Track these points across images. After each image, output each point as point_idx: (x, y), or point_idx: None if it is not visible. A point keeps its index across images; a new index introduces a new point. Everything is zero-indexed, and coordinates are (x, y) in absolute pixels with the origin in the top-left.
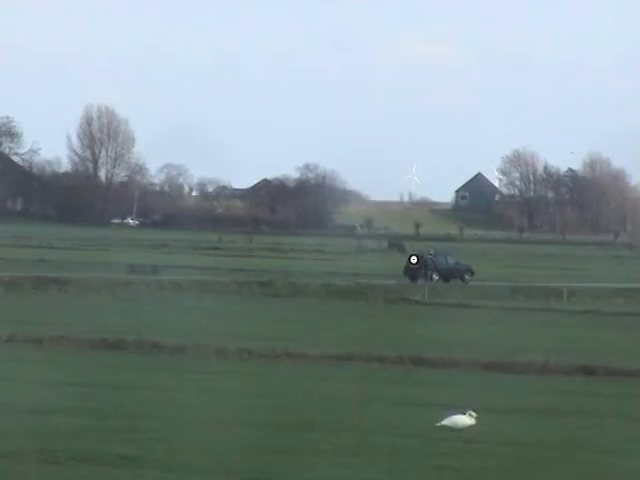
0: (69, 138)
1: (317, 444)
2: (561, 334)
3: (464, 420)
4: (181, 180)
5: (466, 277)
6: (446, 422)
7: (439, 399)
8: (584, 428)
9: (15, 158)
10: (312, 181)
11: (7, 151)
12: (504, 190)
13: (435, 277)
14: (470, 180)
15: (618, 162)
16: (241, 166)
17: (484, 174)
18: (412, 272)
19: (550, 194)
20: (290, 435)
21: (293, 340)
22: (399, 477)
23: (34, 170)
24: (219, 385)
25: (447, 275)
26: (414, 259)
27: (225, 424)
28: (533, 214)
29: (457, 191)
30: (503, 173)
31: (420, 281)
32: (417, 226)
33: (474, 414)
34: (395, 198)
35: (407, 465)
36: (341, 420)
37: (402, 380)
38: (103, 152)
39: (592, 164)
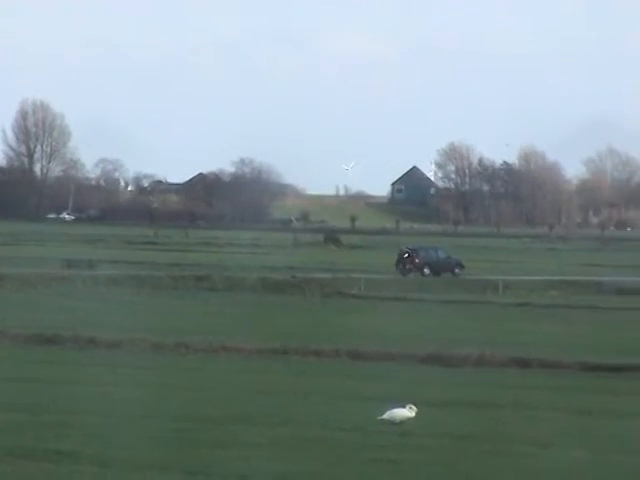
0: (4, 133)
1: (254, 438)
2: (497, 327)
3: (404, 413)
4: (117, 175)
5: (456, 271)
6: (386, 416)
7: (376, 392)
8: (519, 421)
9: None
10: (248, 175)
11: None
12: (440, 183)
13: (426, 271)
14: (406, 173)
15: (553, 155)
16: (176, 160)
17: (419, 167)
18: (403, 266)
19: (485, 187)
20: (227, 429)
21: (230, 334)
22: (336, 470)
23: None
24: (155, 380)
25: (438, 269)
26: (406, 254)
27: (161, 419)
28: (468, 207)
29: (393, 184)
30: (438, 166)
31: (411, 275)
32: (353, 220)
33: (414, 408)
34: (331, 192)
35: (344, 458)
36: (278, 414)
37: (339, 374)
38: (38, 147)
39: (527, 157)
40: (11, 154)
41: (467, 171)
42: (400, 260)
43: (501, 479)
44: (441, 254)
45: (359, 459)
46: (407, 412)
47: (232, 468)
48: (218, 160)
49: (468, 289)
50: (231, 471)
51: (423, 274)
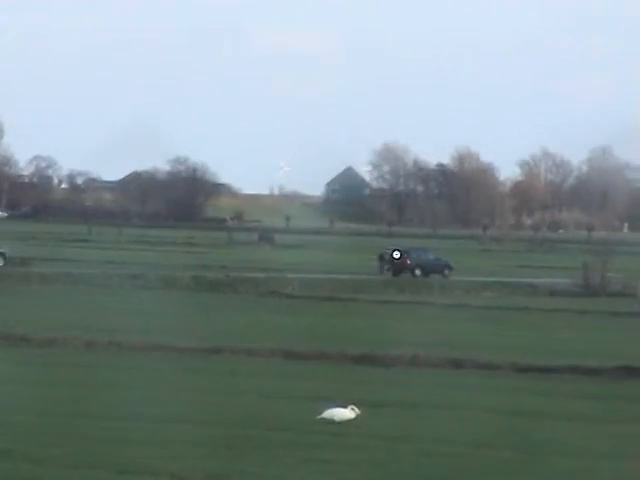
0: None
1: (187, 437)
2: (432, 327)
3: (344, 413)
4: (50, 172)
5: (445, 272)
6: (325, 415)
7: (310, 392)
8: (451, 421)
9: None
10: (183, 174)
11: None
12: (374, 184)
13: (417, 272)
14: (341, 173)
15: (487, 156)
16: (110, 158)
17: (354, 168)
18: (395, 267)
19: (420, 188)
20: (160, 427)
21: (163, 333)
22: (268, 470)
23: None
24: (88, 379)
25: (428, 270)
26: (397, 254)
27: (94, 418)
28: (403, 208)
29: (328, 184)
30: (373, 167)
31: (403, 275)
32: (287, 219)
33: (356, 409)
34: (266, 191)
35: (277, 458)
36: (211, 413)
37: (273, 373)
38: None
39: (461, 158)
40: None
41: (402, 172)
42: (388, 261)
43: (434, 478)
44: (430, 256)
45: (293, 459)
46: (346, 412)
47: (165, 467)
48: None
49: (403, 289)
50: (164, 470)
51: (414, 275)
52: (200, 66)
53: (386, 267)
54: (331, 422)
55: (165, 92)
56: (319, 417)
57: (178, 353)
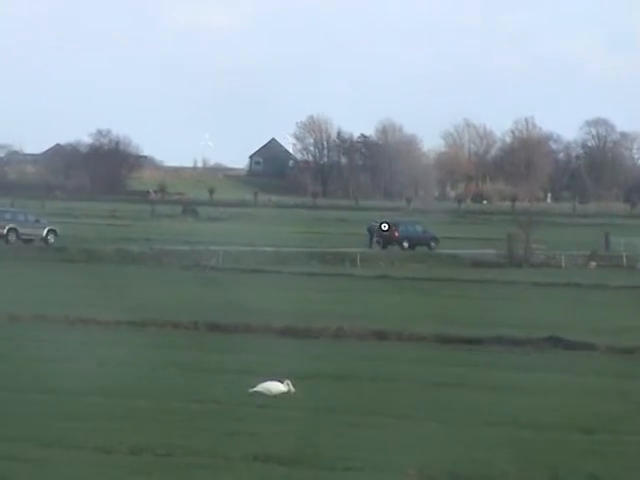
0: None
1: (111, 410)
2: (355, 299)
3: (277, 386)
4: None
5: (432, 245)
6: (259, 388)
7: (235, 365)
8: (378, 393)
9: None
10: (105, 147)
11: None
12: (298, 156)
13: (405, 244)
14: (264, 146)
15: (410, 128)
16: (33, 131)
17: (278, 140)
18: (383, 239)
19: (344, 160)
20: (84, 401)
21: (87, 306)
22: (193, 442)
23: None
24: (11, 352)
25: (415, 243)
26: (385, 226)
27: (16, 391)
28: (327, 180)
29: (251, 156)
30: (297, 139)
31: (391, 248)
32: (211, 192)
33: (291, 385)
34: (189, 164)
35: (201, 430)
36: (135, 386)
37: (197, 346)
38: None
39: (384, 130)
40: None
41: (325, 144)
42: (377, 234)
43: (358, 449)
44: (418, 228)
45: (216, 431)
46: (280, 385)
47: (89, 440)
48: (75, 131)
49: (326, 261)
50: (88, 443)
51: (402, 247)
52: (121, 38)
53: (375, 239)
54: (266, 395)
55: (85, 64)
56: (252, 390)
57: (102, 326)
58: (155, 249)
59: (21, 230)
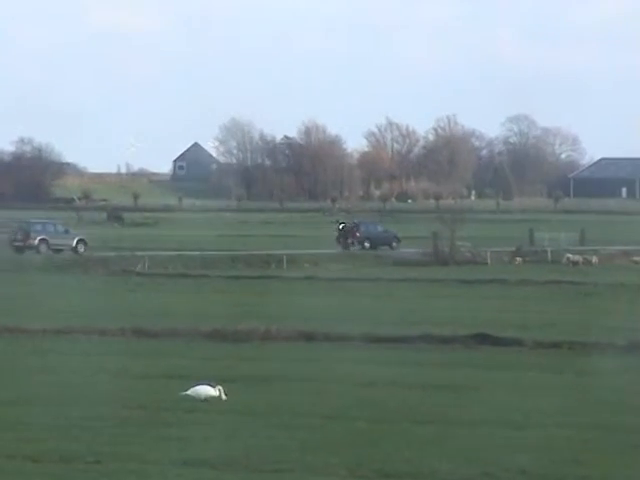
0: None
1: (40, 418)
2: (282, 301)
3: (207, 390)
4: None
5: (394, 244)
6: (190, 392)
7: (163, 370)
8: (306, 394)
9: None
10: (28, 154)
11: None
12: (221, 159)
13: (366, 244)
14: (187, 150)
15: (333, 129)
16: None
17: (201, 144)
18: (344, 240)
19: (267, 162)
20: (11, 411)
21: (13, 315)
22: (123, 449)
23: None
24: None
25: (376, 242)
26: (341, 226)
27: None
28: (251, 182)
29: (174, 161)
30: (220, 142)
31: (352, 248)
32: (135, 197)
33: (222, 390)
34: (113, 170)
35: (131, 436)
36: (64, 394)
37: (124, 352)
38: None
39: (307, 131)
40: None
41: (248, 146)
42: (341, 234)
43: (288, 451)
44: (379, 228)
45: (146, 437)
46: (210, 389)
47: (18, 449)
48: None
49: (252, 264)
50: (18, 452)
51: (364, 247)
52: (39, 43)
53: (350, 241)
54: (196, 399)
55: (7, 71)
56: (183, 394)
57: (28, 335)
58: (81, 256)
59: (51, 241)
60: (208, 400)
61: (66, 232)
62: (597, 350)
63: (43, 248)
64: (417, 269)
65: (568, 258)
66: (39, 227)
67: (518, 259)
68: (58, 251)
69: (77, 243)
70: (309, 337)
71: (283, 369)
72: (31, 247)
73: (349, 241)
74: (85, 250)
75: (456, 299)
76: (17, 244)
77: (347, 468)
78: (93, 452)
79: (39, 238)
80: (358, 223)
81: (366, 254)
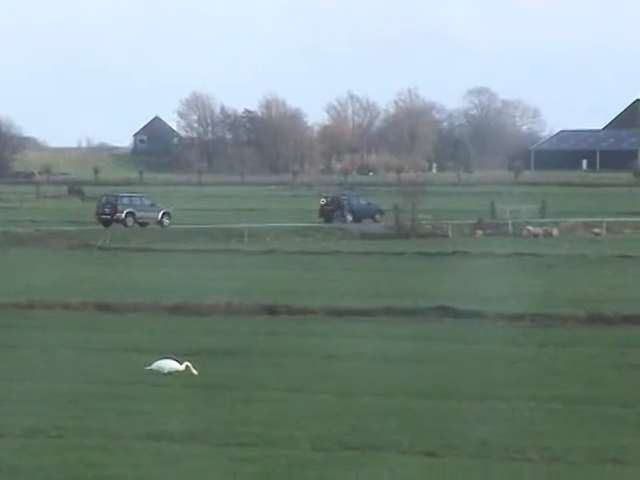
0: None
1: (2, 393)
2: (244, 275)
3: (170, 364)
4: None
5: (377, 217)
6: (154, 366)
7: (125, 344)
8: (269, 367)
9: None
10: None
11: None
12: (182, 133)
13: (349, 218)
14: (148, 124)
15: (294, 102)
16: None
17: (162, 117)
18: (326, 214)
19: (228, 136)
20: None
21: None
22: (85, 423)
23: None
24: None
25: (360, 216)
26: (323, 201)
27: None
28: (212, 156)
29: (135, 135)
30: (181, 115)
31: (336, 222)
32: (96, 171)
33: (191, 366)
34: (73, 144)
35: (94, 411)
36: (25, 368)
37: (87, 326)
38: None
39: (268, 105)
40: None
41: (209, 120)
42: (324, 208)
43: (251, 424)
44: (362, 201)
45: (108, 411)
46: (174, 363)
47: None
48: None
49: (214, 238)
50: None
51: (345, 221)
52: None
53: (345, 213)
54: (157, 373)
55: None
56: (148, 368)
57: None
58: (41, 230)
59: (138, 214)
60: (172, 374)
61: (152, 205)
62: (558, 322)
63: (130, 221)
64: (378, 242)
65: (529, 230)
66: (126, 200)
67: (479, 231)
68: (144, 224)
69: (162, 216)
70: (271, 311)
71: (246, 343)
72: (118, 220)
73: (334, 214)
74: (170, 223)
75: (417, 272)
76: (104, 217)
77: (310, 441)
78: (56, 427)
79: (126, 211)
80: (339, 196)
81: (328, 227)
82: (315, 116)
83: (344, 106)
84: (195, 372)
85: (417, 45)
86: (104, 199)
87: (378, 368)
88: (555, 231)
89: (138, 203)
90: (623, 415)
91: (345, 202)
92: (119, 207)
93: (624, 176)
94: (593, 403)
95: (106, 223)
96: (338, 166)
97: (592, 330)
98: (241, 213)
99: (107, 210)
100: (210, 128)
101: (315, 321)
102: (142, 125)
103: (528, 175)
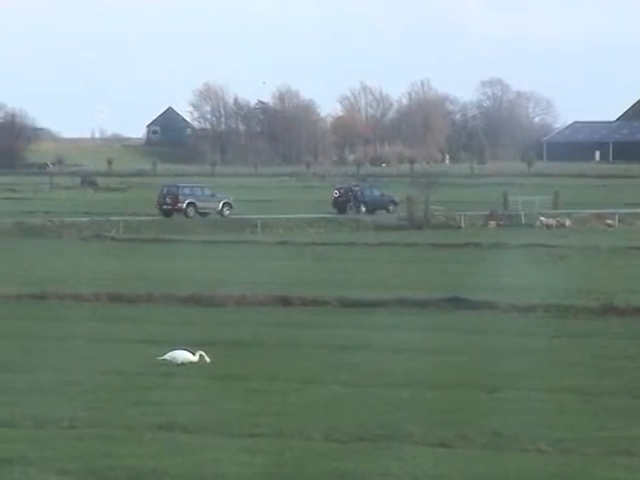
0: None
1: (15, 384)
2: (257, 266)
3: (183, 355)
4: None
5: (390, 208)
6: (167, 357)
7: (138, 335)
8: (282, 358)
9: None
10: (1, 120)
11: None
12: (195, 124)
13: (362, 209)
14: (161, 114)
15: (307, 94)
16: None
17: (175, 108)
18: (339, 205)
19: (242, 127)
20: None
21: None
22: (97, 413)
23: None
24: None
25: (373, 207)
26: (336, 193)
27: None
28: (225, 147)
29: (148, 126)
30: (194, 107)
31: (349, 213)
32: (109, 162)
33: (204, 355)
34: (86, 135)
35: (106, 402)
36: (39, 359)
37: (100, 317)
38: None
39: (281, 96)
40: None
41: (223, 111)
42: (338, 199)
43: (264, 415)
44: (376, 192)
45: (121, 402)
46: (187, 354)
47: None
48: None
49: (228, 229)
50: None
51: (359, 212)
52: (11, 11)
53: (349, 205)
54: (170, 364)
55: None
56: (160, 359)
57: (2, 300)
58: (55, 221)
59: (199, 204)
60: (185, 365)
61: (212, 196)
62: (571, 313)
63: (191, 211)
64: (391, 233)
65: (541, 221)
66: (187, 191)
67: (492, 223)
68: (204, 214)
69: (222, 206)
70: (285, 302)
71: (259, 334)
72: (179, 210)
73: (348, 205)
74: (230, 213)
75: (430, 263)
76: (166, 207)
77: (322, 432)
78: (68, 417)
79: (187, 202)
80: (353, 187)
81: (341, 218)
82: (328, 107)
83: (357, 97)
84: (208, 360)
85: (430, 36)
86: (165, 190)
87: (391, 359)
88: (568, 222)
89: (199, 193)
90: (635, 407)
91: (358, 193)
92: (180, 197)
93: (637, 167)
94: (606, 394)
95: (167, 213)
96: (351, 157)
97: (605, 321)
98: (254, 204)
99: (168, 200)
100: (223, 119)
101: (328, 312)
102: (155, 116)
103: (541, 166)
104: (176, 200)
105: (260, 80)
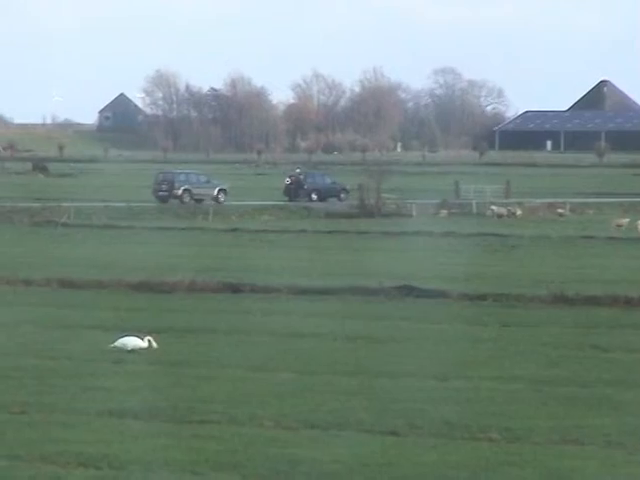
0: None
1: None
2: (208, 253)
3: (134, 342)
4: None
5: (342, 196)
6: (117, 343)
7: (88, 321)
8: (232, 345)
9: None
10: None
11: None
12: (148, 110)
13: (314, 196)
14: (113, 101)
15: (259, 81)
16: None
17: (127, 94)
18: (290, 192)
19: (194, 113)
20: None
21: None
22: (47, 399)
23: None
24: None
25: (325, 194)
26: (288, 180)
27: None
28: (177, 134)
29: (100, 112)
30: (146, 93)
31: (300, 200)
32: (61, 148)
33: (153, 341)
34: (38, 120)
35: (56, 388)
36: None
37: (50, 303)
38: None
39: (233, 83)
40: None
41: (175, 97)
42: (289, 186)
43: (214, 402)
44: (327, 180)
45: (71, 388)
46: (138, 340)
47: None
48: None
49: (179, 215)
50: None
51: (311, 199)
52: None
53: (302, 190)
54: (121, 350)
55: None
56: (112, 346)
57: None
58: (5, 206)
59: (194, 190)
60: (135, 351)
61: (207, 182)
62: (521, 302)
63: (186, 198)
64: (343, 221)
65: (493, 210)
66: (183, 177)
67: (443, 211)
68: (200, 201)
69: (218, 192)
70: (235, 289)
71: (209, 321)
72: (175, 197)
73: (299, 192)
74: (225, 199)
75: (381, 251)
76: (162, 194)
77: (273, 419)
78: (18, 402)
79: (183, 188)
80: (304, 175)
81: (293, 206)
82: (280, 95)
83: (309, 85)
84: (156, 345)
85: (383, 24)
86: (161, 176)
87: (341, 347)
88: (519, 211)
89: (194, 180)
90: (584, 396)
91: (302, 179)
92: (176, 184)
93: (588, 157)
94: (555, 384)
95: (163, 200)
96: (303, 145)
97: (555, 310)
98: None
99: (164, 187)
100: (175, 106)
101: (279, 300)
102: (107, 102)
103: (493, 155)
104: (172, 187)
105: (212, 67)
